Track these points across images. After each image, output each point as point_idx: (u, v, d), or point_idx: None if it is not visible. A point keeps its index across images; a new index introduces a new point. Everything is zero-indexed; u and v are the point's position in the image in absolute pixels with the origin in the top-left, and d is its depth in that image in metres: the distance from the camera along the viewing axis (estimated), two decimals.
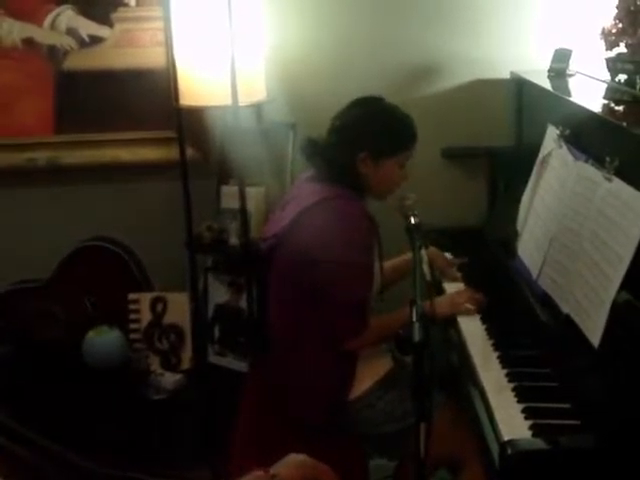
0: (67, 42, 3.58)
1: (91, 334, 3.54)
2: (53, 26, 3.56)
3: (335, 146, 2.76)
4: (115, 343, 3.54)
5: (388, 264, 2.96)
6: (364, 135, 2.74)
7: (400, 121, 2.78)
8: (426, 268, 2.32)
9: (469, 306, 2.77)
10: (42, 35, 3.57)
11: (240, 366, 3.47)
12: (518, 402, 2.19)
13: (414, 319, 1.95)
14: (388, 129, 2.76)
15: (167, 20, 3.25)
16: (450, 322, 2.75)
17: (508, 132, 3.53)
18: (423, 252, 2.34)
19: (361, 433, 2.77)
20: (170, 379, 3.50)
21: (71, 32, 3.57)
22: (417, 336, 1.91)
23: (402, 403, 2.68)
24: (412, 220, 2.48)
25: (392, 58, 3.52)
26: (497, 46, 3.48)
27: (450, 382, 2.68)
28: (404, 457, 2.83)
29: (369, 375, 2.77)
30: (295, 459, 1.69)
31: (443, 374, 2.62)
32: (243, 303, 3.47)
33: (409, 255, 2.80)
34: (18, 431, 1.79)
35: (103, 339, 3.53)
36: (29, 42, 3.58)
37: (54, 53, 3.59)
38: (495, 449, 2.05)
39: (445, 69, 3.54)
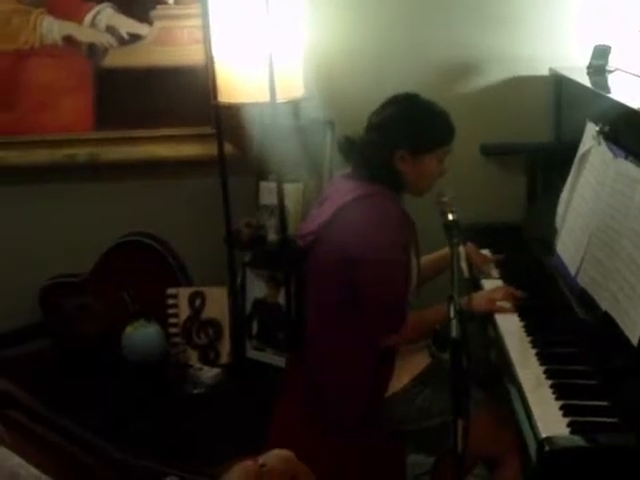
0: (107, 40, 3.61)
1: (130, 328, 3.57)
2: (93, 24, 3.60)
3: (372, 144, 2.76)
4: (154, 337, 3.57)
5: (425, 260, 2.96)
6: (401, 132, 2.73)
7: (437, 117, 2.77)
8: (464, 265, 2.31)
9: (506, 303, 2.76)
10: (82, 33, 3.61)
11: (278, 361, 3.48)
12: (556, 399, 2.19)
13: (452, 316, 1.96)
14: (425, 125, 2.75)
15: (205, 17, 3.28)
16: (488, 319, 2.75)
17: (547, 129, 3.51)
18: (461, 249, 2.34)
19: (399, 429, 2.77)
20: (208, 374, 3.52)
21: (110, 30, 3.60)
22: (455, 332, 1.91)
23: (440, 399, 2.67)
24: (450, 217, 2.46)
25: (431, 55, 3.51)
26: (536, 43, 3.46)
27: (488, 379, 2.67)
28: (442, 453, 2.83)
29: (407, 371, 2.77)
30: (281, 453, 1.73)
31: (481, 371, 2.62)
32: (281, 298, 3.48)
33: (445, 250, 2.83)
34: (58, 423, 1.82)
35: (142, 333, 3.56)
36: (69, 40, 3.61)
37: (94, 51, 3.62)
38: (533, 446, 2.05)
39: (484, 66, 3.53)
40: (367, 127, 2.80)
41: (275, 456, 1.71)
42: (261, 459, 1.68)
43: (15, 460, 1.42)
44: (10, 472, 1.40)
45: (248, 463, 1.67)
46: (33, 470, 1.43)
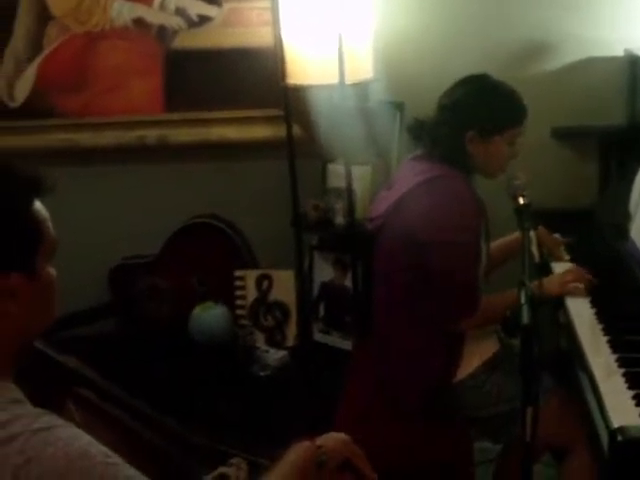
0: (176, 22, 3.62)
1: (197, 310, 3.59)
2: (162, 6, 3.61)
3: (442, 125, 2.73)
4: (221, 319, 3.58)
5: (494, 245, 2.93)
6: (471, 113, 2.70)
7: (507, 97, 2.73)
8: (535, 250, 2.28)
9: (579, 285, 2.71)
10: (152, 15, 3.62)
11: (345, 344, 3.48)
12: (629, 388, 2.14)
13: (522, 301, 1.93)
14: (495, 106, 2.71)
15: None
16: (559, 305, 2.70)
17: (621, 111, 3.43)
18: (532, 233, 2.31)
19: (466, 415, 2.75)
20: (275, 356, 3.53)
21: (180, 12, 3.60)
22: (525, 319, 1.88)
23: (508, 386, 2.64)
24: (521, 201, 2.44)
25: (502, 36, 3.45)
26: (610, 23, 3.38)
27: (559, 366, 2.63)
28: (509, 441, 2.80)
29: (476, 357, 2.74)
30: (338, 435, 1.81)
31: (552, 358, 2.59)
32: (348, 282, 3.47)
33: (515, 236, 2.79)
34: (127, 402, 1.83)
35: (209, 315, 3.58)
36: (139, 22, 3.63)
37: (163, 33, 3.63)
38: (604, 436, 2.01)
39: (556, 47, 3.45)
40: (437, 108, 2.77)
41: (332, 438, 1.79)
42: (319, 441, 1.76)
43: (85, 438, 1.43)
44: (80, 450, 1.41)
45: (306, 444, 1.75)
46: (103, 448, 1.44)
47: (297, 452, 1.74)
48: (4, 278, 1.43)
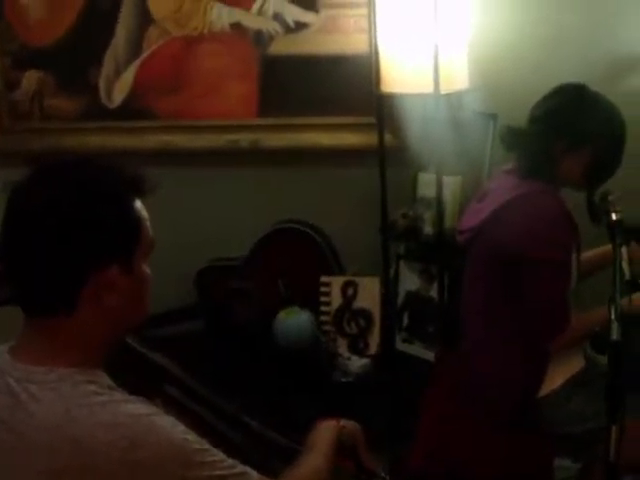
0: (273, 27, 3.65)
1: (282, 314, 3.60)
2: (260, 11, 3.64)
3: (534, 136, 2.69)
4: (305, 325, 3.59)
5: (583, 257, 2.88)
6: (564, 124, 2.65)
7: (603, 110, 2.67)
8: (625, 266, 2.25)
9: None
10: (250, 20, 3.66)
11: (427, 355, 3.46)
12: None
13: (612, 317, 1.90)
14: (590, 118, 2.65)
15: (372, 6, 3.27)
16: None
17: None
18: (623, 250, 2.28)
19: (548, 431, 2.71)
20: (357, 363, 3.54)
21: (277, 17, 3.63)
22: (615, 335, 1.86)
23: (592, 404, 2.59)
24: (614, 216, 2.42)
25: (605, 48, 3.36)
26: None
27: None
28: (590, 460, 2.75)
29: (560, 373, 2.70)
30: (355, 424, 2.03)
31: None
32: (434, 292, 3.46)
33: (603, 249, 2.75)
34: (211, 401, 1.88)
35: (293, 320, 3.59)
36: (237, 27, 3.67)
37: (260, 38, 3.67)
38: None
39: None
40: (529, 119, 2.74)
41: (351, 424, 2.01)
42: (342, 422, 1.99)
43: (182, 426, 1.51)
44: (180, 438, 1.49)
45: (334, 423, 1.97)
46: (196, 436, 1.51)
47: (329, 430, 1.94)
48: (105, 270, 1.49)
